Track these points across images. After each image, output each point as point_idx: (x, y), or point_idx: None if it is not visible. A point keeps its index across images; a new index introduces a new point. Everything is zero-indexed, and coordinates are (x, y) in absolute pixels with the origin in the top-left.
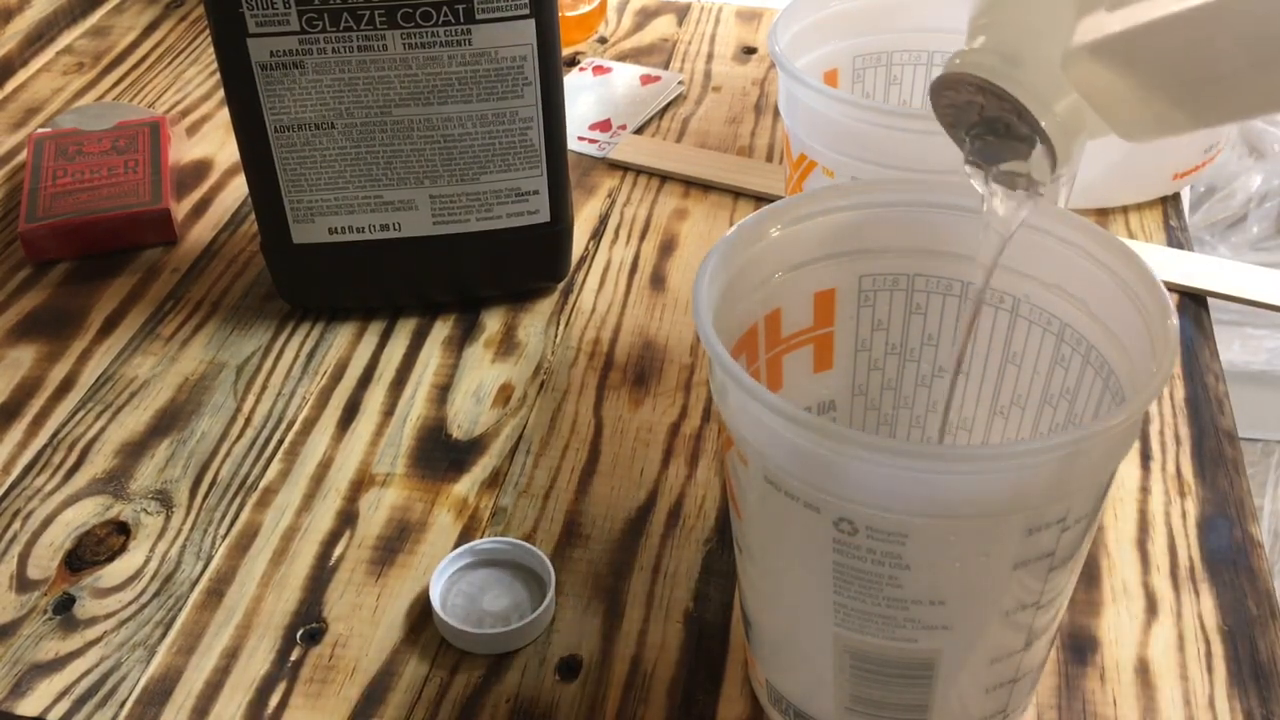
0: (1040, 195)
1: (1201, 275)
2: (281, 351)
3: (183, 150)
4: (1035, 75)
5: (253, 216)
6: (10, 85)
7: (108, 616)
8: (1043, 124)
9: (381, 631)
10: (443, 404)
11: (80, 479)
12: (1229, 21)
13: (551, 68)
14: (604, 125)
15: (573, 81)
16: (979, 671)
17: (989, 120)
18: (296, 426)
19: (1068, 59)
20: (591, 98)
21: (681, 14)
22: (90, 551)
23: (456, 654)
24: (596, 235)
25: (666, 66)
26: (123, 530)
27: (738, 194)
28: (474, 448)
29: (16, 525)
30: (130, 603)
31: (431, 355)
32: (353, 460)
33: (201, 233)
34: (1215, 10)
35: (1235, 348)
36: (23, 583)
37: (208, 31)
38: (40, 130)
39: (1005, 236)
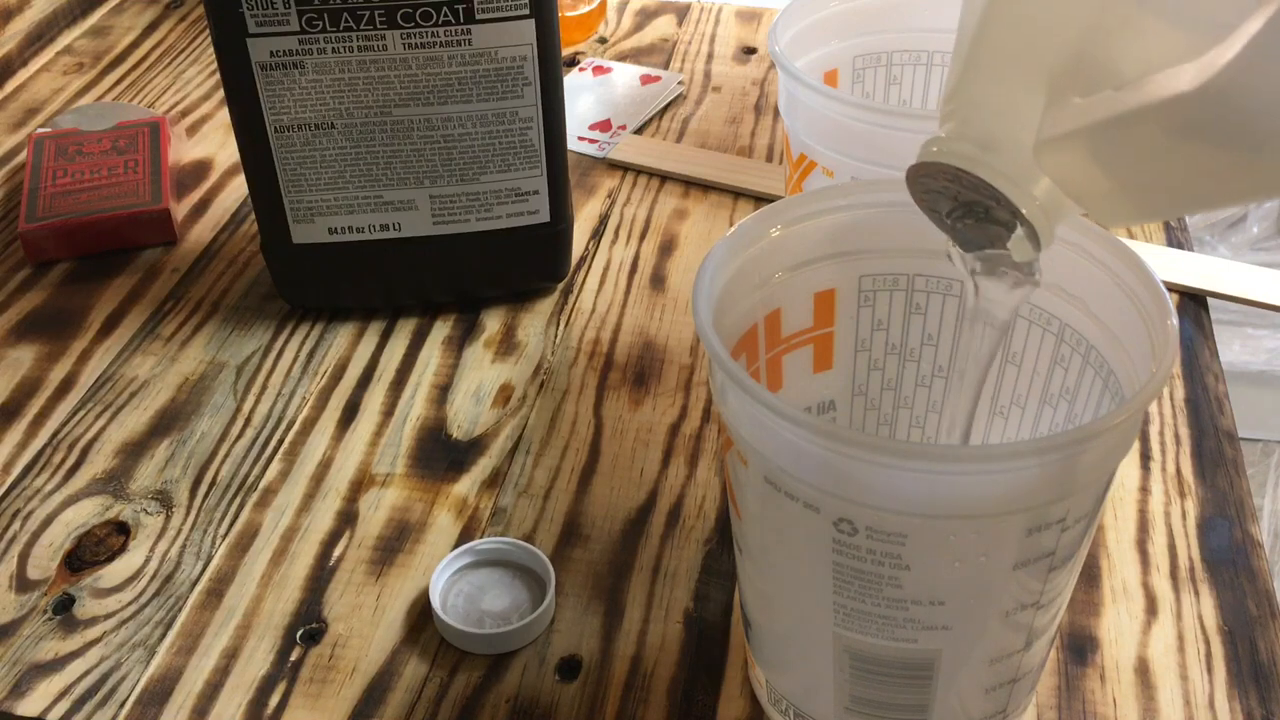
0: (1034, 282)
1: (1201, 275)
2: (281, 351)
3: (183, 150)
4: (1010, 160)
5: (253, 216)
6: (10, 85)
7: (107, 616)
8: (1024, 211)
9: (381, 631)
10: (443, 404)
11: (80, 479)
12: (1205, 115)
13: (551, 68)
14: (604, 125)
15: (573, 81)
16: (979, 672)
17: (967, 204)
18: (296, 426)
19: (1039, 148)
20: (591, 98)
21: (681, 14)
22: (90, 551)
23: (456, 654)
24: (596, 235)
25: (666, 66)
26: (123, 530)
27: (738, 194)
28: (474, 448)
29: (16, 525)
30: (130, 603)
31: (431, 355)
32: (352, 460)
33: (201, 233)
34: (1192, 102)
35: (1235, 348)
36: (23, 583)
37: (208, 31)
38: (40, 130)
39: (1000, 328)
